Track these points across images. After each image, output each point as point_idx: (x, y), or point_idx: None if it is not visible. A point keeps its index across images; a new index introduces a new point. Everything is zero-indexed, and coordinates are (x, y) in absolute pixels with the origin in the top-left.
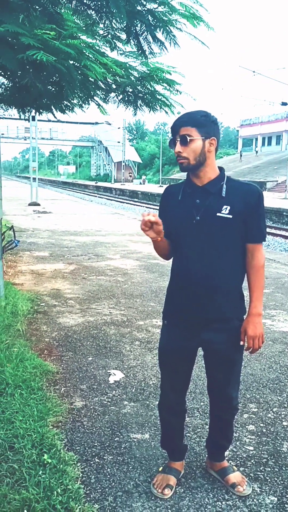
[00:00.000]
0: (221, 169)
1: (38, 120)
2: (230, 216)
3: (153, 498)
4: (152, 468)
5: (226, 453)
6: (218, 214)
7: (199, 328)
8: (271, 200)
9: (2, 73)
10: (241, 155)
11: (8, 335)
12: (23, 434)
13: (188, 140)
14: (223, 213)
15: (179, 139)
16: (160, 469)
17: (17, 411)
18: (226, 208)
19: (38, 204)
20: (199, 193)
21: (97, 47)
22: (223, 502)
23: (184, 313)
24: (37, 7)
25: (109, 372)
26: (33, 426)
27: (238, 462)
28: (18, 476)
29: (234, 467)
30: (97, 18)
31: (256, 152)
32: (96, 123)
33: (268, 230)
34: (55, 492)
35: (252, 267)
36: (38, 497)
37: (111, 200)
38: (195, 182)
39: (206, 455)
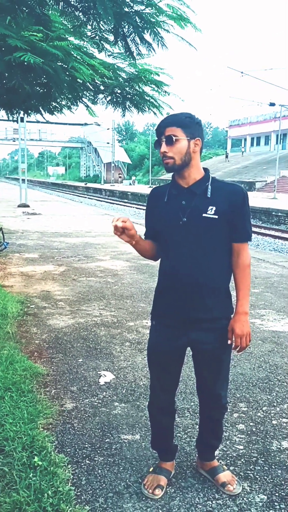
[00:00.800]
0: (206, 170)
1: (26, 121)
2: (216, 217)
3: (144, 498)
4: (142, 469)
5: (216, 452)
6: (204, 215)
7: (187, 328)
8: (260, 200)
9: None
10: (227, 156)
11: None
12: (13, 437)
13: (174, 140)
14: (208, 214)
15: (164, 140)
16: (151, 469)
17: (7, 414)
18: (211, 209)
19: (28, 206)
20: (185, 194)
21: (85, 49)
22: (214, 501)
23: (172, 313)
24: (24, 8)
25: (100, 374)
26: (24, 429)
27: (228, 461)
28: (8, 479)
29: (224, 466)
30: (85, 20)
31: (242, 152)
32: (85, 124)
33: (257, 230)
34: (46, 494)
35: (238, 267)
36: (29, 499)
37: (101, 201)
38: (180, 183)
39: (197, 455)
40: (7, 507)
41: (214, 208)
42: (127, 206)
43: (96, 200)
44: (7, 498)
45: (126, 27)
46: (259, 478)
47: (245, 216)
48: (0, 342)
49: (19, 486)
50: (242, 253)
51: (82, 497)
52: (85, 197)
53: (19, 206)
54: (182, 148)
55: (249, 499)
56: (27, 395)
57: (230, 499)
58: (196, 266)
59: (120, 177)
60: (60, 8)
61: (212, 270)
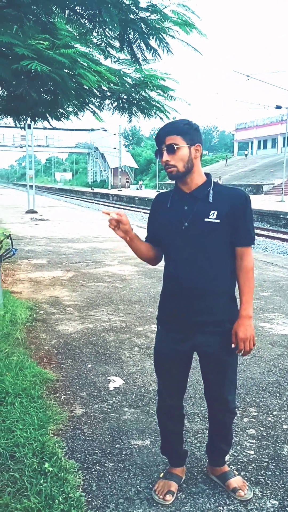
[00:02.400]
0: (207, 175)
1: (34, 128)
2: (218, 221)
3: (154, 504)
4: (153, 475)
5: (227, 457)
6: (206, 219)
7: (192, 332)
8: (268, 203)
9: None
10: (226, 160)
11: (7, 344)
12: (24, 443)
13: (176, 148)
14: (210, 218)
15: (165, 149)
16: (161, 475)
17: (18, 420)
18: (213, 213)
19: (35, 212)
20: (187, 199)
21: (91, 56)
22: (225, 507)
23: (177, 318)
24: (30, 17)
25: (109, 379)
26: (34, 435)
27: (239, 466)
28: (19, 485)
29: (235, 471)
30: (90, 27)
31: (246, 155)
32: (92, 129)
33: (265, 233)
34: (56, 500)
35: (241, 270)
36: (40, 506)
37: (108, 206)
38: (182, 189)
39: (207, 460)
40: None
41: (216, 213)
42: (134, 210)
43: (104, 205)
44: (19, 504)
45: (132, 33)
46: (270, 483)
47: (248, 220)
48: (9, 348)
49: (30, 492)
50: (246, 257)
51: (93, 503)
52: (93, 202)
53: (27, 212)
54: (184, 156)
55: (261, 505)
56: (37, 401)
57: (241, 505)
58: (198, 271)
59: (127, 182)
60: (66, 16)
61: (215, 274)
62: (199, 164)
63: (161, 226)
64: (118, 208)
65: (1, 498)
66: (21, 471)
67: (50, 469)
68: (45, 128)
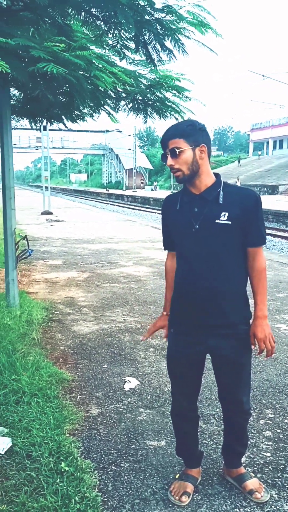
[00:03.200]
0: (217, 175)
1: (49, 130)
2: (229, 222)
3: (170, 505)
4: (169, 475)
5: (243, 459)
6: (217, 221)
7: (206, 335)
8: (283, 203)
9: (14, 85)
10: (239, 161)
11: (23, 344)
12: (40, 442)
13: (178, 152)
14: (221, 220)
15: (169, 153)
16: (177, 476)
17: (34, 419)
18: (224, 215)
19: (51, 213)
20: (197, 201)
21: (107, 57)
22: (241, 509)
23: (190, 321)
24: (46, 19)
25: (124, 380)
26: (50, 434)
27: (255, 468)
28: (36, 484)
29: (251, 473)
30: (106, 29)
31: (259, 156)
32: (107, 131)
33: (281, 234)
34: (73, 500)
35: (254, 271)
36: (56, 505)
37: (123, 207)
38: (192, 190)
39: (223, 462)
40: None
41: (227, 214)
42: (149, 211)
43: (118, 206)
44: (35, 504)
45: (147, 34)
46: (287, 486)
47: (259, 220)
48: (26, 348)
49: (47, 491)
50: (258, 257)
51: (109, 503)
52: (107, 203)
53: (42, 213)
54: (188, 159)
55: (277, 507)
56: (53, 401)
57: (258, 507)
58: (210, 273)
59: (142, 183)
60: (81, 18)
61: (227, 276)
62: (206, 164)
63: (172, 228)
64: (133, 209)
65: (18, 497)
66: (37, 470)
67: (66, 468)
68: (60, 129)
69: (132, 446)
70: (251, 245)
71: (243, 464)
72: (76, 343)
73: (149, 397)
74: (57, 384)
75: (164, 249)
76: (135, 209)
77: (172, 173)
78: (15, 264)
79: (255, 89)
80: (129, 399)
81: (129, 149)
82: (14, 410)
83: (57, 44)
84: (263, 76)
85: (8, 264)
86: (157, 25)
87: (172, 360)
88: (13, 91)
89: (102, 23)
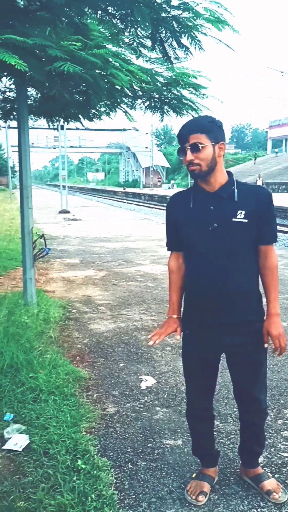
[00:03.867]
0: (229, 173)
1: (66, 129)
2: (246, 220)
3: (187, 504)
4: (185, 475)
5: (260, 459)
6: (233, 219)
7: (221, 334)
8: None
9: (31, 85)
10: (255, 159)
11: (41, 342)
12: (57, 440)
13: (200, 147)
14: (238, 218)
15: (189, 147)
16: (194, 475)
17: (51, 417)
18: (241, 213)
19: (68, 212)
20: (212, 199)
21: (123, 55)
22: (258, 510)
23: (206, 320)
24: (63, 19)
25: (141, 378)
26: (67, 432)
27: (273, 468)
28: (53, 481)
29: (269, 473)
30: (122, 27)
31: (276, 153)
32: (124, 129)
33: None
34: (89, 497)
35: (266, 268)
36: (73, 502)
37: (140, 205)
38: (205, 188)
39: (240, 462)
40: (52, 509)
41: (243, 212)
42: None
43: (135, 204)
44: (52, 501)
45: (164, 32)
46: None
47: (272, 218)
48: (43, 346)
49: (63, 489)
50: (270, 255)
51: (125, 501)
52: (124, 202)
53: (60, 212)
54: (208, 155)
55: None
56: (70, 399)
57: (276, 508)
58: (225, 271)
59: (159, 181)
60: (98, 16)
61: (242, 274)
62: (222, 162)
63: (185, 227)
64: (150, 208)
65: (35, 494)
66: (54, 467)
67: (83, 466)
68: (77, 129)
69: (148, 445)
70: (264, 243)
71: (261, 464)
72: (93, 342)
73: (165, 396)
74: (74, 382)
75: (169, 249)
76: (152, 207)
77: (188, 168)
78: (33, 263)
79: (273, 85)
80: (146, 397)
81: (146, 148)
82: (31, 408)
83: (74, 43)
84: (282, 72)
85: (26, 262)
86: (174, 22)
87: (188, 360)
88: (30, 91)
89: (118, 21)
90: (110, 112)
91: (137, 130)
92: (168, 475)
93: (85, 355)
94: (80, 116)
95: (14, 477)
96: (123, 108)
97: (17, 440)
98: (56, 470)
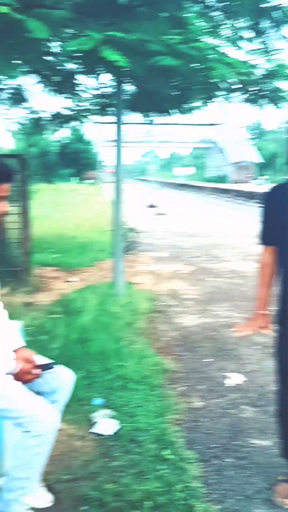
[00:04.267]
0: None
1: (157, 124)
2: None
3: (274, 506)
4: (273, 476)
5: None
6: None
7: None
8: None
9: (129, 80)
10: None
11: (129, 332)
12: (144, 428)
13: None
14: None
15: None
16: (280, 478)
17: (139, 406)
18: None
19: (156, 206)
20: None
21: (220, 48)
22: None
23: None
24: (163, 13)
25: (228, 375)
26: (154, 422)
27: None
28: (140, 468)
29: None
30: (221, 19)
31: None
32: (213, 124)
33: None
34: (175, 487)
35: None
36: (160, 490)
37: (229, 201)
38: None
39: None
40: (138, 495)
41: None
42: (255, 206)
43: (224, 200)
44: (139, 486)
45: (263, 23)
46: None
47: None
48: (132, 336)
49: (150, 476)
50: None
51: (212, 496)
52: (213, 198)
53: (147, 206)
54: None
55: None
56: (156, 390)
57: None
58: None
59: (248, 177)
60: (197, 9)
61: None
62: None
63: (283, 222)
64: (238, 204)
65: (124, 477)
66: (141, 455)
67: (170, 456)
68: (167, 124)
69: (235, 442)
70: None
71: None
72: (179, 335)
73: (253, 395)
74: (161, 373)
75: (263, 243)
76: (241, 203)
77: None
78: (123, 256)
79: None
80: (232, 395)
81: (236, 142)
82: (120, 395)
83: (173, 37)
84: None
85: (117, 255)
86: (274, 12)
87: (283, 359)
88: (125, 87)
89: (218, 13)
90: (204, 106)
91: (227, 124)
92: (255, 475)
93: (171, 348)
94: (173, 110)
95: (103, 460)
96: (218, 102)
97: (107, 425)
98: (143, 457)
